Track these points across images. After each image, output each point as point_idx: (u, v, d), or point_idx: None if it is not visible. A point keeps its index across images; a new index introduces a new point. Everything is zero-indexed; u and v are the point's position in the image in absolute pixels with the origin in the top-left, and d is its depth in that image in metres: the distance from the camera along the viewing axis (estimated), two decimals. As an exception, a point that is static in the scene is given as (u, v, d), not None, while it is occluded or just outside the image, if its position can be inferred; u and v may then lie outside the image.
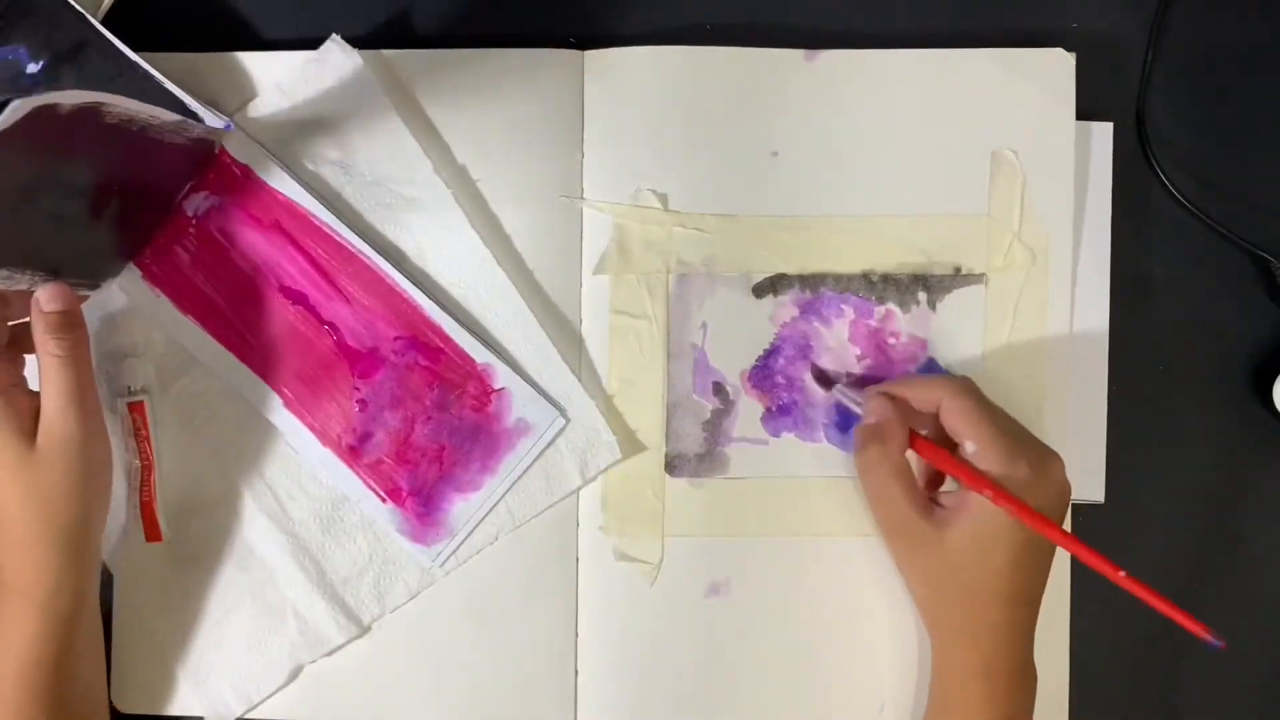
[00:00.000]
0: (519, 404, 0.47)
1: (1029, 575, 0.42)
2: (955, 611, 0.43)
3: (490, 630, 0.48)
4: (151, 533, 0.48)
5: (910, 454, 0.44)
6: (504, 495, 0.47)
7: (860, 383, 0.48)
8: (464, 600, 0.48)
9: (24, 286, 0.42)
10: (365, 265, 0.47)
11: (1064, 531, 0.41)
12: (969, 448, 0.42)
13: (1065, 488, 0.42)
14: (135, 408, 0.48)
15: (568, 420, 0.47)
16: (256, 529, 0.48)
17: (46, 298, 0.42)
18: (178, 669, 0.48)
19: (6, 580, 0.42)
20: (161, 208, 0.46)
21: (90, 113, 0.37)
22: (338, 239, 0.47)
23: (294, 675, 0.48)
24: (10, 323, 0.43)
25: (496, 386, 0.47)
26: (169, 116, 0.40)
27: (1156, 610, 0.39)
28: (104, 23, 0.44)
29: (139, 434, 0.48)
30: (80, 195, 0.40)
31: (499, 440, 0.47)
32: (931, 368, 0.48)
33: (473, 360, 0.47)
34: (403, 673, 0.48)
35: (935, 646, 0.45)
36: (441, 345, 0.47)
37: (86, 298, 0.46)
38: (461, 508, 0.47)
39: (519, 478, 0.47)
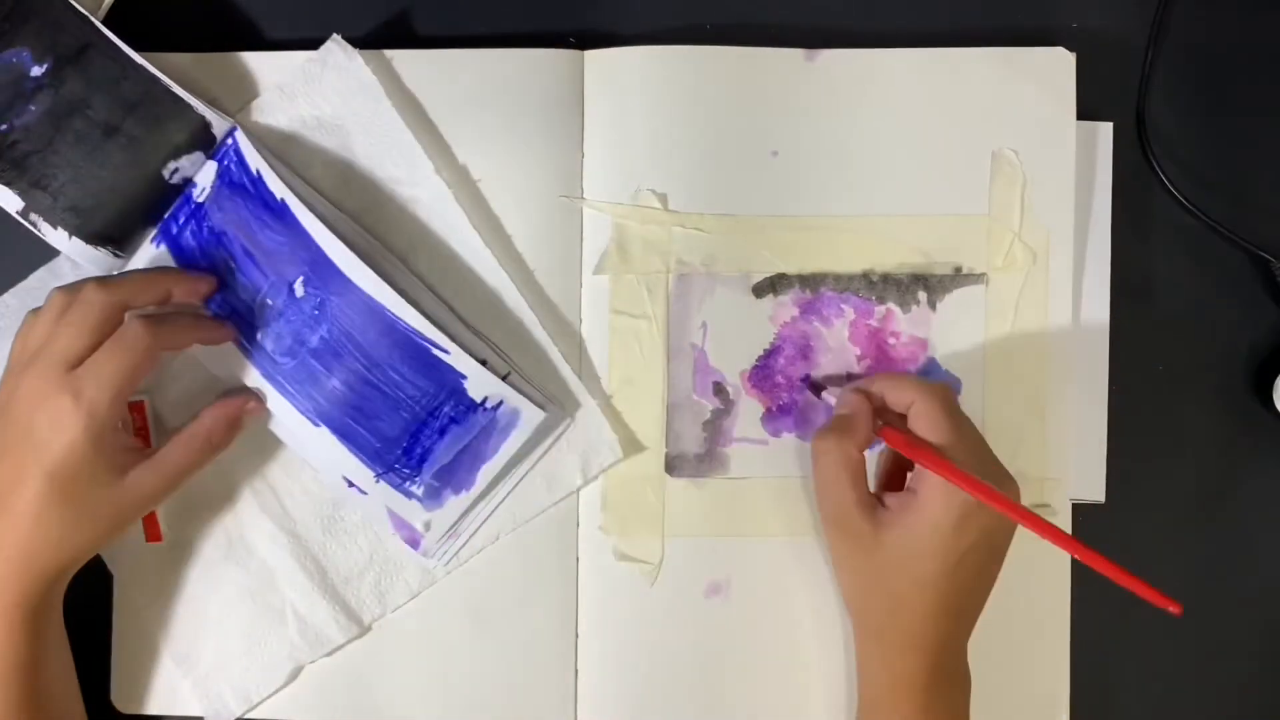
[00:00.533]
0: (503, 412, 0.46)
1: (963, 588, 0.42)
2: (881, 617, 0.43)
3: (490, 630, 0.48)
4: (151, 533, 0.48)
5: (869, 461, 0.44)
6: (495, 491, 0.47)
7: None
8: (464, 600, 0.48)
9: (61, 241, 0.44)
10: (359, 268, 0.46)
11: (1017, 505, 0.40)
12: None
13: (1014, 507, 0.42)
14: (135, 408, 0.48)
15: (571, 419, 0.47)
16: (257, 529, 0.48)
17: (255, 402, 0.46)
18: (178, 669, 0.48)
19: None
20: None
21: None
22: (333, 250, 0.46)
23: (294, 675, 0.48)
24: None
25: (477, 395, 0.46)
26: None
27: (1114, 581, 0.38)
28: (103, 23, 0.44)
29: (139, 434, 0.48)
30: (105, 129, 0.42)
31: (483, 447, 0.47)
32: (931, 368, 0.48)
33: (454, 368, 0.46)
34: (403, 673, 0.48)
35: (859, 648, 0.44)
36: (426, 347, 0.47)
37: (123, 264, 0.47)
38: (453, 503, 0.47)
39: (507, 478, 0.47)
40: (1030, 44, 0.47)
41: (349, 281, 0.45)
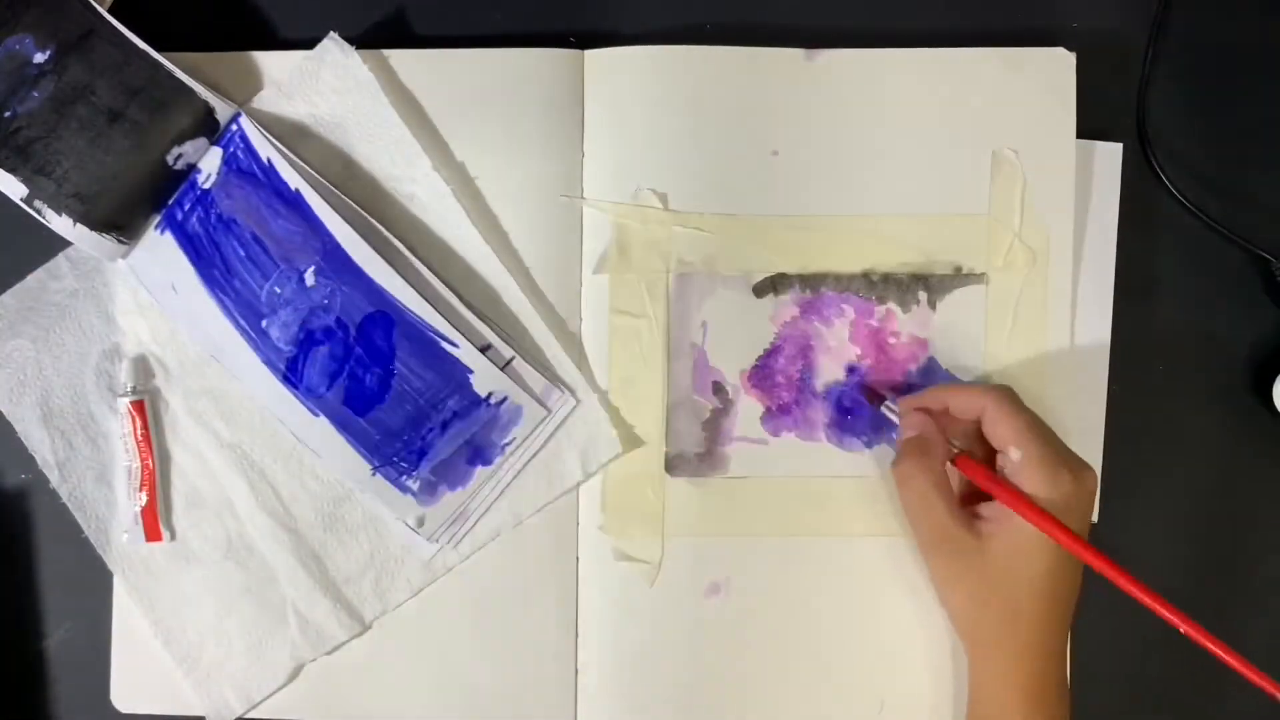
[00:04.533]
0: (506, 408, 0.47)
1: (1065, 588, 0.42)
2: (995, 627, 0.42)
3: (490, 630, 0.48)
4: (152, 533, 0.48)
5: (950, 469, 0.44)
6: (513, 479, 0.47)
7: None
8: (464, 600, 0.48)
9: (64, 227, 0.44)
10: (373, 259, 0.46)
11: (1104, 556, 0.40)
12: (1014, 455, 0.42)
13: (1094, 500, 0.42)
14: (135, 407, 0.48)
15: (554, 413, 0.47)
16: (258, 527, 0.48)
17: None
18: (178, 669, 0.48)
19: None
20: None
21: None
22: (346, 241, 0.46)
23: (295, 674, 0.48)
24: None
25: (480, 388, 0.46)
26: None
27: (1220, 659, 0.39)
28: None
29: (139, 434, 0.48)
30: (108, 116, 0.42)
31: (486, 439, 0.47)
32: (932, 367, 0.48)
33: (458, 361, 0.46)
34: (403, 673, 0.48)
35: (974, 662, 0.44)
36: (430, 339, 0.47)
37: (126, 251, 0.47)
38: (449, 498, 0.47)
39: (528, 462, 0.47)
40: (1030, 44, 0.47)
41: (361, 272, 0.45)
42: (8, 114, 0.43)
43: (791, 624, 0.48)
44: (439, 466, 0.47)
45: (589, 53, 0.48)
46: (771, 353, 0.48)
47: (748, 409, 0.48)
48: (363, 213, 0.46)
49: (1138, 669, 0.49)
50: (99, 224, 0.45)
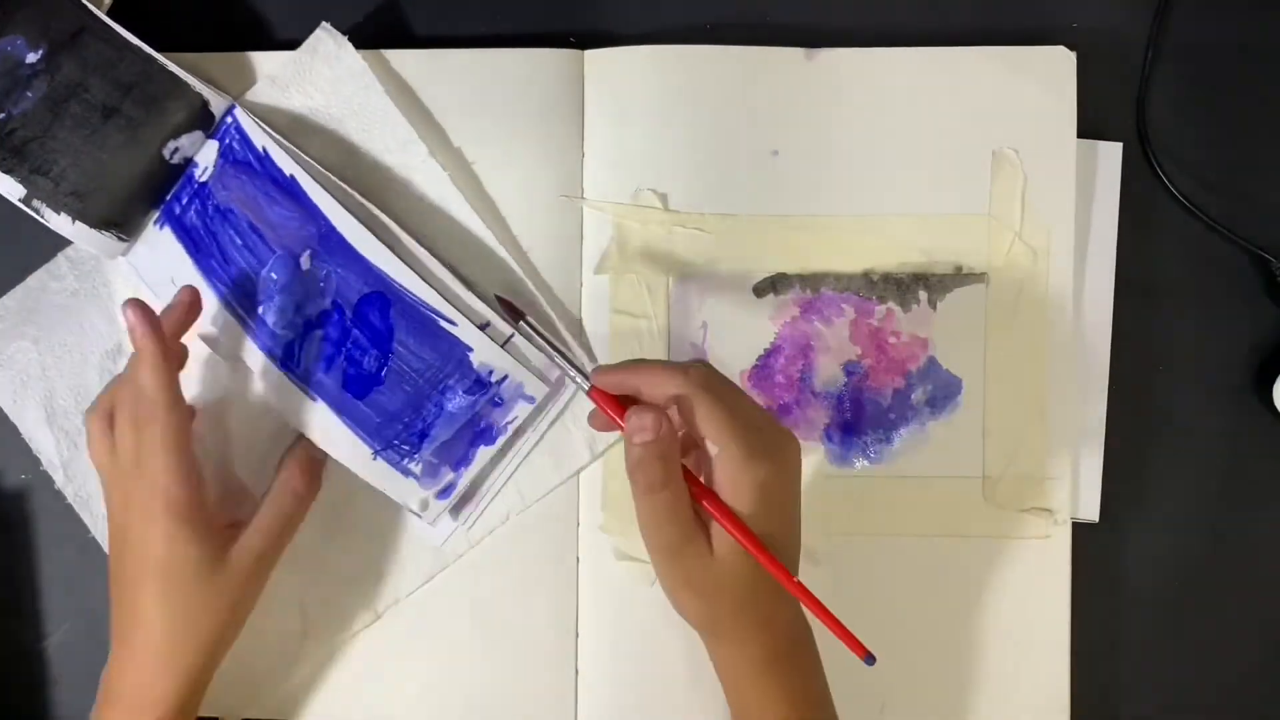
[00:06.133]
0: (508, 386, 0.46)
1: (791, 544, 0.41)
2: (732, 616, 0.41)
3: (490, 630, 0.48)
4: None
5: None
6: (521, 462, 0.47)
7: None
8: (464, 600, 0.48)
9: (63, 225, 0.44)
10: (368, 240, 0.46)
11: (798, 583, 0.40)
12: (712, 450, 0.40)
13: (799, 468, 0.41)
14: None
15: (587, 380, 0.47)
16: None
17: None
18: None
19: (122, 692, 0.42)
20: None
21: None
22: (341, 223, 0.46)
23: (306, 668, 0.48)
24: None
25: (483, 367, 0.46)
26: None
27: (826, 626, 0.39)
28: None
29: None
30: (104, 111, 0.42)
31: (492, 423, 0.47)
32: (932, 367, 0.48)
33: (459, 340, 0.46)
34: (403, 672, 0.48)
35: (715, 651, 0.43)
36: (432, 321, 0.46)
37: (127, 248, 0.47)
38: (482, 451, 0.47)
39: (535, 445, 0.47)
40: (1030, 43, 0.47)
41: (356, 254, 0.45)
42: (2, 115, 0.43)
43: (792, 624, 0.48)
44: (441, 448, 0.46)
45: (589, 53, 0.48)
46: (771, 353, 0.48)
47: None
48: (358, 196, 0.46)
49: (1137, 668, 0.49)
50: (97, 221, 0.45)
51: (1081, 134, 0.47)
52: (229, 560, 0.42)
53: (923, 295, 0.48)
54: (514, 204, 0.48)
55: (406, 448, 0.46)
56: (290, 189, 0.45)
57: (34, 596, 0.50)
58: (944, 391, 0.48)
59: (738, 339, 0.48)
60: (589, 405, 0.45)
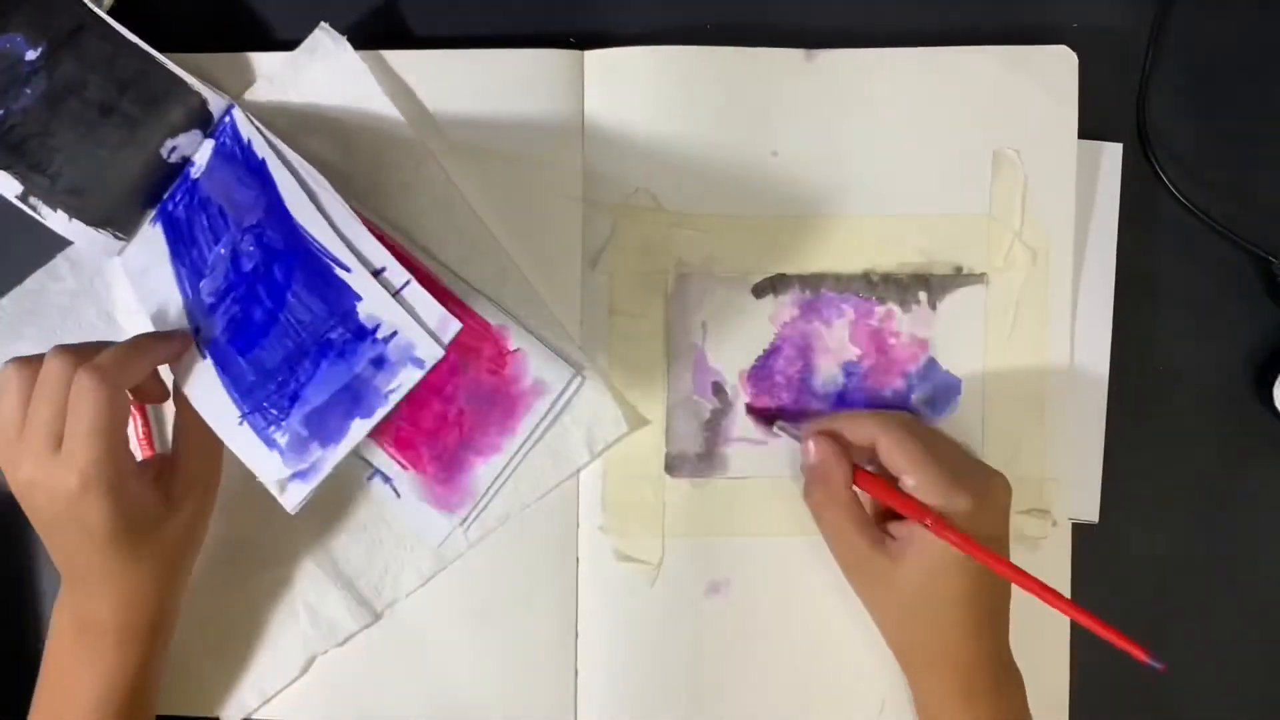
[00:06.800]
0: (535, 365, 0.46)
1: (989, 594, 0.42)
2: (921, 641, 0.43)
3: (490, 630, 0.48)
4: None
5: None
6: (525, 455, 0.47)
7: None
8: (464, 599, 0.48)
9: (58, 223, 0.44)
10: (376, 232, 0.46)
11: (1009, 563, 0.40)
12: (908, 483, 0.42)
13: (1007, 509, 0.42)
14: (138, 407, 0.48)
15: (584, 378, 0.47)
16: (265, 522, 0.48)
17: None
18: (188, 667, 0.48)
19: (99, 623, 0.43)
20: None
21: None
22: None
23: (307, 667, 0.48)
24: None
25: (511, 348, 0.47)
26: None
27: (1103, 638, 0.39)
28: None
29: (141, 433, 0.48)
30: (101, 109, 0.42)
31: (516, 402, 0.47)
32: (932, 368, 0.48)
33: (488, 323, 0.47)
34: (403, 672, 0.48)
35: (910, 676, 0.44)
36: (455, 309, 0.46)
37: (122, 247, 0.47)
38: (483, 471, 0.47)
39: (540, 437, 0.47)
40: (1031, 43, 0.47)
41: (289, 218, 0.41)
42: (1, 112, 0.43)
43: (791, 624, 0.48)
44: (311, 416, 0.40)
45: (589, 53, 0.48)
46: (771, 353, 0.48)
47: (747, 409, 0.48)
48: (312, 169, 0.42)
49: (1137, 668, 0.49)
50: (94, 219, 0.45)
51: (1081, 134, 0.47)
52: (175, 510, 0.43)
53: (922, 296, 0.48)
54: (514, 204, 0.48)
55: (275, 412, 0.40)
56: (258, 170, 0.43)
57: (34, 596, 0.50)
58: (943, 392, 0.48)
59: (737, 339, 0.48)
60: (589, 403, 0.46)
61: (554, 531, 0.48)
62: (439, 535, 0.48)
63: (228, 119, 0.46)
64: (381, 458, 0.48)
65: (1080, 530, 0.48)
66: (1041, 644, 0.47)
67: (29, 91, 0.43)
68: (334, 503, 0.48)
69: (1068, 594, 0.47)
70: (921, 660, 0.43)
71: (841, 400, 0.48)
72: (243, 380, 0.41)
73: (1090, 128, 0.47)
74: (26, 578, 0.50)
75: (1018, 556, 0.44)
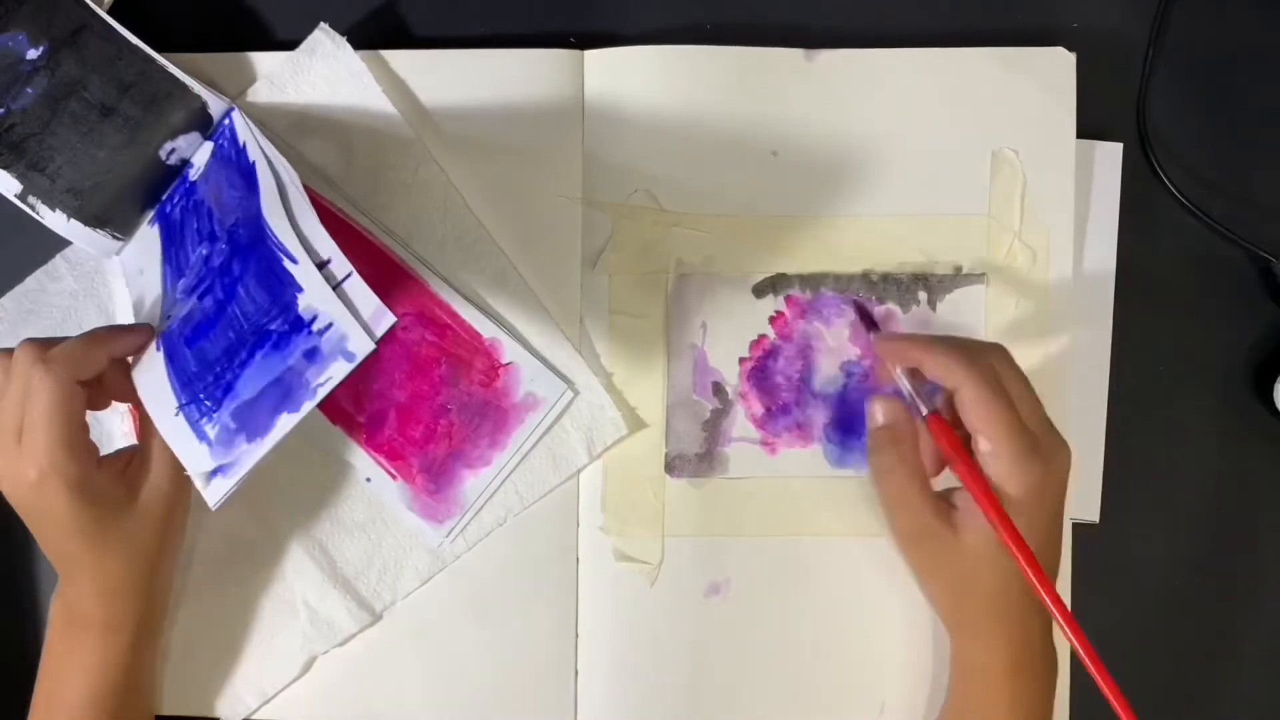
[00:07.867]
0: (527, 378, 0.47)
1: (1048, 563, 0.41)
2: (979, 613, 0.42)
3: (490, 630, 0.48)
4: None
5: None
6: (513, 470, 0.47)
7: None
8: (464, 600, 0.48)
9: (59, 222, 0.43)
10: (369, 243, 0.47)
11: (1043, 574, 0.39)
12: (984, 446, 0.40)
13: (1066, 480, 0.41)
14: (137, 407, 0.48)
15: (576, 393, 0.47)
16: (264, 522, 0.48)
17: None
18: (189, 667, 0.48)
19: (85, 615, 0.43)
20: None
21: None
22: (340, 216, 0.47)
23: (307, 667, 0.48)
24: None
25: (504, 361, 0.47)
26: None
27: (1096, 683, 0.38)
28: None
29: (134, 428, 0.48)
30: (101, 110, 0.42)
31: (508, 415, 0.47)
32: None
33: (480, 335, 0.47)
34: (403, 672, 0.48)
35: (958, 647, 0.44)
36: (448, 321, 0.47)
37: (121, 247, 0.47)
38: (472, 484, 0.47)
39: (529, 451, 0.47)
40: (1030, 44, 0.47)
41: (260, 210, 0.41)
42: (1, 111, 0.43)
43: (791, 624, 0.48)
44: (241, 409, 0.39)
45: (589, 53, 0.48)
46: (771, 353, 0.48)
47: (747, 409, 0.48)
48: (286, 163, 0.41)
49: (1137, 668, 0.49)
50: (93, 219, 0.45)
51: (1081, 134, 0.47)
52: (139, 500, 0.43)
53: (922, 296, 0.48)
54: (513, 204, 0.48)
55: (209, 404, 0.40)
56: (249, 174, 0.43)
57: (34, 596, 0.50)
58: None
59: (737, 339, 0.48)
60: (588, 406, 0.46)
61: (554, 532, 0.48)
62: (429, 544, 0.48)
63: (227, 122, 0.46)
64: (370, 466, 0.48)
65: (1080, 530, 0.48)
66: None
67: (30, 91, 0.44)
68: (334, 503, 0.48)
69: (1067, 595, 0.47)
70: (973, 632, 0.43)
71: (841, 400, 0.48)
72: (185, 371, 0.41)
73: (1091, 128, 0.48)
74: (26, 578, 0.50)
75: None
